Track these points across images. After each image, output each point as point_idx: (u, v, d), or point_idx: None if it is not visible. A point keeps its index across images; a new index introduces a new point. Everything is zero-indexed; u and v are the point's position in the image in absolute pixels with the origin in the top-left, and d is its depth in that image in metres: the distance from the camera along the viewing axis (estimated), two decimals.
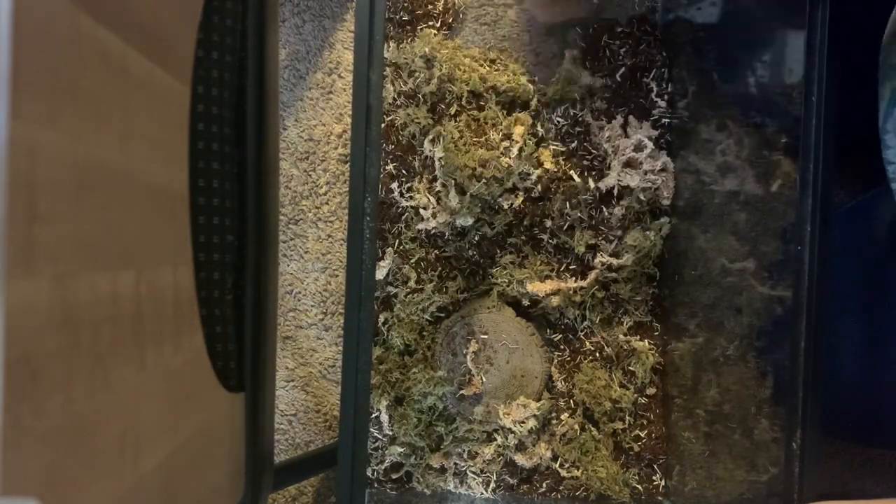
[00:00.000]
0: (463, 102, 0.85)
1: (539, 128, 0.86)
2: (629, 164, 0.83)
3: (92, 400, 0.34)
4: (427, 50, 0.84)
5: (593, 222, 0.85)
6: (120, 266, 0.38)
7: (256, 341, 0.58)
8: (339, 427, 0.58)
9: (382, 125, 0.85)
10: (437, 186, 0.84)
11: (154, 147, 0.43)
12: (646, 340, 0.86)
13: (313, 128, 0.94)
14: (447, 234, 0.86)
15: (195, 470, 0.49)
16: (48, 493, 0.30)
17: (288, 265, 0.94)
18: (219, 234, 0.55)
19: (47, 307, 0.30)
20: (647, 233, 0.84)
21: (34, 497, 0.29)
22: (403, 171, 0.86)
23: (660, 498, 0.85)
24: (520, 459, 0.84)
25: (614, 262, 0.84)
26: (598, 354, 0.87)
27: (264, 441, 0.61)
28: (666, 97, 0.86)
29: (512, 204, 0.84)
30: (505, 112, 0.86)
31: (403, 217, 0.87)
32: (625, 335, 0.86)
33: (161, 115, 0.44)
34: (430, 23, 0.90)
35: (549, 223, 0.85)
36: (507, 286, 0.86)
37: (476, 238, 0.87)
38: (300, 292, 0.94)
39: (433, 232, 0.86)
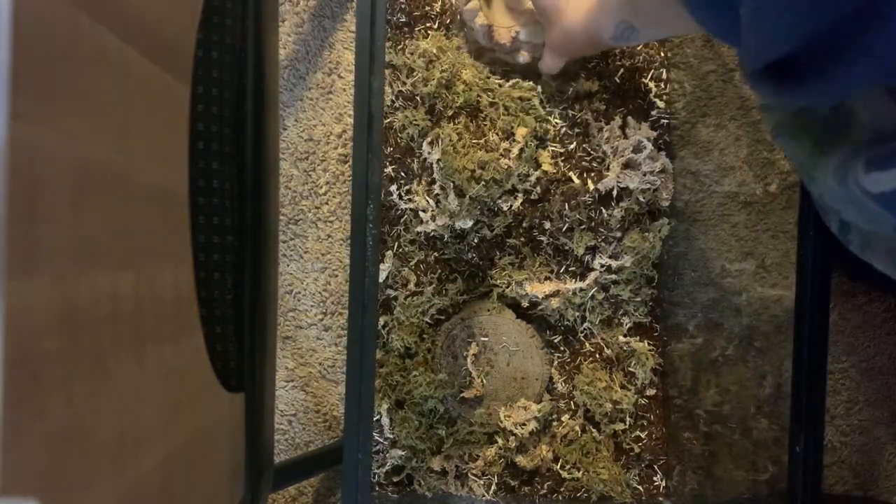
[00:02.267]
0: (461, 104, 0.85)
1: (538, 129, 0.86)
2: (628, 165, 0.83)
3: (92, 400, 0.34)
4: (434, 50, 0.84)
5: (592, 224, 0.85)
6: (120, 266, 0.38)
7: (256, 341, 0.58)
8: (343, 434, 0.58)
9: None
10: (436, 189, 0.84)
11: (154, 147, 0.43)
12: (646, 341, 0.86)
13: (313, 128, 0.94)
14: (446, 236, 0.86)
15: (195, 470, 0.49)
16: (48, 493, 0.30)
17: (288, 265, 0.94)
18: (219, 234, 0.55)
19: (47, 307, 0.30)
20: (647, 234, 0.84)
21: (34, 497, 0.29)
22: (402, 174, 0.86)
23: (661, 498, 0.85)
24: (521, 461, 0.84)
25: (614, 263, 0.84)
26: (598, 356, 0.87)
27: (264, 441, 0.61)
28: (664, 98, 0.86)
29: (511, 206, 0.84)
30: (506, 113, 0.86)
31: (402, 220, 0.87)
32: (625, 336, 0.86)
33: (161, 115, 0.44)
34: (428, 24, 0.90)
35: (548, 225, 0.85)
36: (507, 288, 0.86)
37: (475, 240, 0.86)
38: (300, 292, 0.94)
39: (432, 234, 0.86)
